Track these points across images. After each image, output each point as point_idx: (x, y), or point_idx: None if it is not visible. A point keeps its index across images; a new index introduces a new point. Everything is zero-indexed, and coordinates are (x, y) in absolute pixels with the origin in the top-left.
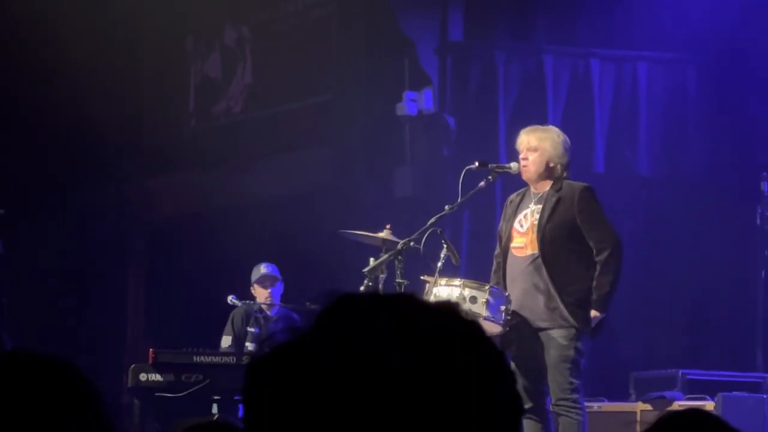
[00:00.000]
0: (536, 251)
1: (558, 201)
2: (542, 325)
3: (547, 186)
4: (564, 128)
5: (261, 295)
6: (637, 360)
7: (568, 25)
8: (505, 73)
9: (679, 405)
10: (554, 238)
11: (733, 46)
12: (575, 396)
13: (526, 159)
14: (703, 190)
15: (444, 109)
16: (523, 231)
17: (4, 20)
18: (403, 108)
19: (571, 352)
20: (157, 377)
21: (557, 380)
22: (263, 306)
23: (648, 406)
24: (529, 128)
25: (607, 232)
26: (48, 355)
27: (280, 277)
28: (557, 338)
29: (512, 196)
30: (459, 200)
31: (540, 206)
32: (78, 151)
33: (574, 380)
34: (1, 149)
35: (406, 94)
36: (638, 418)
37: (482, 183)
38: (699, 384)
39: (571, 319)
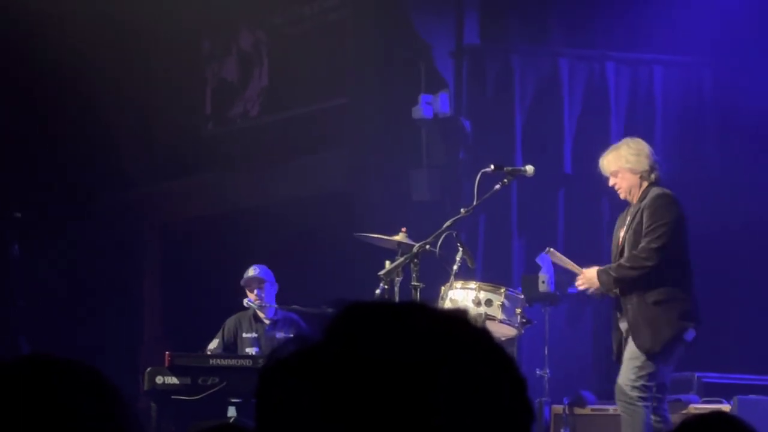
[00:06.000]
0: None
1: (638, 211)
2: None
3: (638, 196)
4: (579, 131)
5: (250, 297)
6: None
7: (583, 28)
8: (521, 76)
9: (695, 408)
10: (629, 248)
11: (748, 48)
12: (633, 395)
13: (615, 185)
14: (719, 192)
15: (460, 112)
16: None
17: (18, 25)
18: (419, 111)
19: (642, 352)
20: (173, 380)
21: (624, 377)
22: (257, 310)
23: None
24: (604, 154)
25: (652, 237)
26: (69, 360)
27: (269, 279)
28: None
29: (623, 213)
30: (474, 203)
31: (629, 219)
32: (94, 154)
33: (638, 380)
34: (18, 153)
35: (422, 98)
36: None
37: (498, 186)
38: (715, 387)
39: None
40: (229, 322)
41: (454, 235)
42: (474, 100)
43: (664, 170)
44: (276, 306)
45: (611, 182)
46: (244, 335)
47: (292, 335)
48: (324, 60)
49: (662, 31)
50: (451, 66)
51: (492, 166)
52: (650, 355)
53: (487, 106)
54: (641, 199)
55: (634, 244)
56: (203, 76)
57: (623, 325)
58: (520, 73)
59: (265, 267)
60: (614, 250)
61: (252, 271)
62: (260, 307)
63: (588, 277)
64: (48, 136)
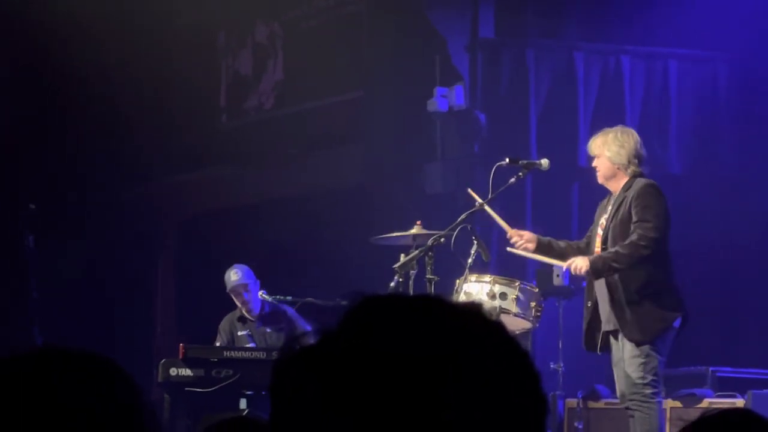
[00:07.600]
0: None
1: (623, 200)
2: (610, 327)
3: (620, 186)
4: (593, 125)
5: (236, 302)
6: (667, 357)
7: (598, 22)
8: (536, 70)
9: (709, 402)
10: (614, 237)
11: (764, 43)
12: (646, 391)
13: (595, 167)
14: (735, 187)
15: (475, 106)
16: (601, 235)
17: (34, 18)
18: (434, 104)
19: (644, 347)
20: (187, 372)
21: (630, 376)
22: (244, 311)
23: (678, 404)
24: (595, 135)
25: (649, 226)
26: (79, 354)
27: (251, 279)
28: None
29: (603, 200)
30: (489, 196)
31: (613, 208)
32: (109, 147)
33: (647, 375)
34: (34, 146)
35: (437, 91)
36: (668, 415)
37: (513, 179)
38: (729, 381)
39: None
40: (223, 325)
41: (468, 228)
42: (489, 94)
43: (647, 165)
44: (270, 299)
45: (594, 163)
46: (239, 333)
47: (283, 327)
48: (339, 53)
49: (678, 26)
50: (466, 59)
51: (507, 160)
52: (643, 345)
53: (502, 99)
54: (625, 188)
55: (621, 234)
56: (218, 69)
57: (607, 321)
58: (535, 66)
59: (244, 267)
60: (595, 236)
61: (234, 276)
62: (249, 311)
63: (579, 264)
64: (64, 128)
